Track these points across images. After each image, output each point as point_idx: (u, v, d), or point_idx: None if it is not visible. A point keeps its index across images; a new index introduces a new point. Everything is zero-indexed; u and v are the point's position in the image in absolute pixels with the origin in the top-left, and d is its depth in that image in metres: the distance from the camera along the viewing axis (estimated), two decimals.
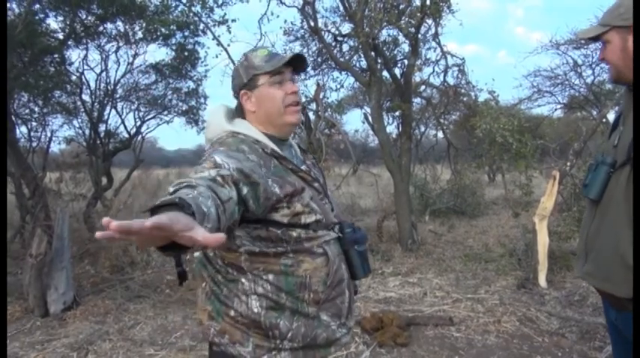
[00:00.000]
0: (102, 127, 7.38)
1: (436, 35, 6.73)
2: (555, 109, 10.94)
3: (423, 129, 11.92)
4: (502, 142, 5.15)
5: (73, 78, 6.76)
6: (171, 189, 0.99)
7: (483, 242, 6.92)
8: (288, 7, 6.87)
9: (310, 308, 1.28)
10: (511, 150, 5.24)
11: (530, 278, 4.84)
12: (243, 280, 1.29)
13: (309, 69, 8.22)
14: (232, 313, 1.28)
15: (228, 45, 6.87)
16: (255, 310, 1.27)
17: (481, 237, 7.38)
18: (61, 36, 6.10)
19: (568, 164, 4.62)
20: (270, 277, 1.26)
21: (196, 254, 1.37)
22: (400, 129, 6.85)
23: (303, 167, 1.40)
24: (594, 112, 9.73)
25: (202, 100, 7.93)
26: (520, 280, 4.91)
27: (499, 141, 5.10)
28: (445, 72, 6.87)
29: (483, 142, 5.89)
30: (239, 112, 1.42)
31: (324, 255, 1.30)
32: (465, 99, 6.68)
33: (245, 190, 1.15)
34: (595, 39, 1.54)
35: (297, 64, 1.39)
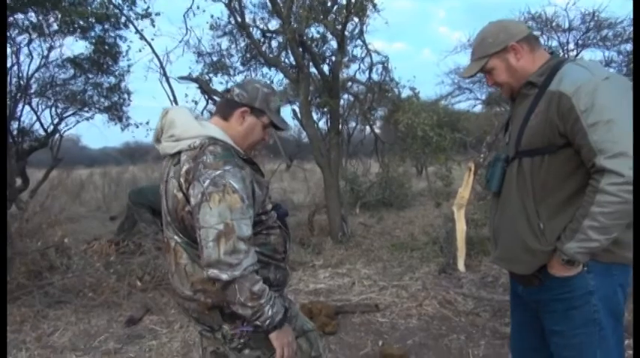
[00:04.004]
0: (15, 125, 6.90)
1: (361, 33, 6.93)
2: (475, 105, 11.60)
3: (353, 124, 12.23)
4: (423, 136, 5.42)
5: None
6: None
7: (410, 232, 7.24)
8: (215, 1, 6.78)
9: (282, 263, 1.71)
10: (431, 144, 5.52)
11: (451, 264, 5.14)
12: None
13: (237, 64, 8.18)
14: None
15: (152, 39, 6.65)
16: None
17: (408, 227, 7.70)
18: None
19: (482, 156, 4.95)
20: (257, 248, 1.58)
21: (180, 240, 1.62)
22: (329, 124, 6.98)
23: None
24: (508, 108, 10.41)
25: (126, 96, 7.64)
26: (441, 266, 5.21)
27: (420, 134, 5.37)
28: (370, 69, 7.09)
29: (407, 136, 6.16)
30: (224, 110, 1.67)
31: (279, 227, 1.71)
32: (389, 95, 6.94)
33: (251, 212, 1.53)
34: (480, 71, 1.74)
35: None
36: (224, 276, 1.44)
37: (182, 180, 1.53)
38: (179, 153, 1.58)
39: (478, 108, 11.97)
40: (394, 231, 7.51)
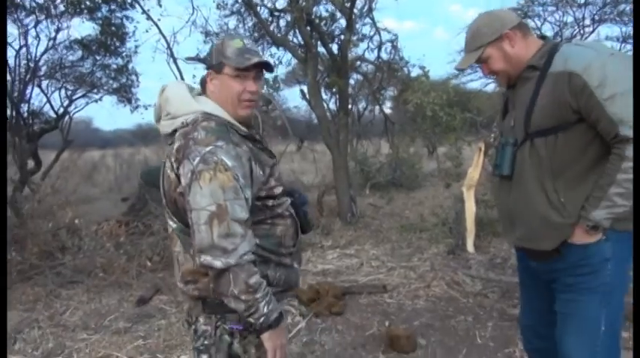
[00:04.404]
0: (25, 107, 6.93)
1: (370, 11, 6.79)
2: (487, 84, 11.38)
3: (365, 104, 12.09)
4: (432, 116, 5.34)
5: None
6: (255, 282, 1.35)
7: (419, 212, 7.19)
8: None
9: (286, 260, 1.54)
10: (441, 124, 5.44)
11: (460, 245, 5.12)
12: None
13: None
14: None
15: (159, 19, 6.60)
16: None
17: (417, 208, 7.67)
18: None
19: (492, 136, 4.87)
20: (257, 241, 1.43)
21: (174, 225, 1.50)
22: (337, 105, 6.91)
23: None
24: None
25: (134, 78, 7.62)
26: (450, 247, 5.18)
27: (429, 114, 5.29)
28: (379, 48, 6.97)
29: (417, 116, 6.07)
30: (202, 86, 1.54)
31: (290, 217, 1.54)
32: (398, 74, 6.84)
33: (248, 193, 1.38)
34: (476, 62, 1.77)
35: (265, 66, 1.52)
36: (217, 263, 1.30)
37: (173, 159, 1.41)
38: (174, 132, 1.47)
39: (490, 87, 11.76)
40: (404, 212, 7.49)
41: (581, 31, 8.02)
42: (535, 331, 1.97)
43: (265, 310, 1.37)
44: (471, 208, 5.05)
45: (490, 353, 2.98)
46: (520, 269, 2.01)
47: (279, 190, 1.51)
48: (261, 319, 1.37)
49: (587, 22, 7.87)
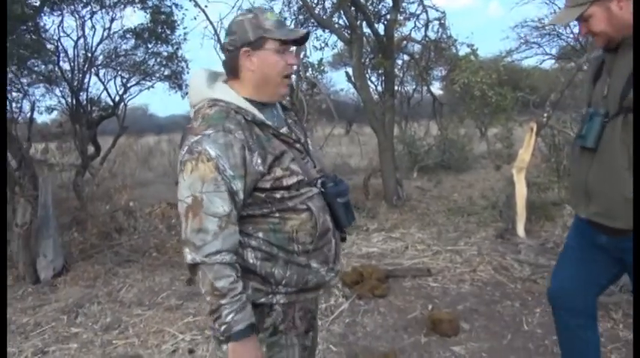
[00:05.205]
0: (84, 95, 7.31)
1: None
2: (543, 60, 10.85)
3: (414, 85, 11.83)
4: (481, 96, 5.15)
5: (50, 47, 6.64)
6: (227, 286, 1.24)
7: (468, 196, 7.03)
8: None
9: (300, 258, 1.37)
10: (491, 104, 5.25)
11: (510, 229, 4.96)
12: None
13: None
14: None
15: (206, 6, 6.71)
16: (251, 261, 1.36)
17: (466, 191, 7.49)
18: (35, 3, 5.95)
19: (545, 115, 4.65)
20: (261, 234, 1.35)
21: None
22: (383, 86, 6.80)
23: (284, 129, 1.42)
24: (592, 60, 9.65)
25: (184, 64, 7.83)
26: (500, 231, 5.04)
27: (477, 94, 5.10)
28: (426, 26, 6.78)
29: (465, 97, 5.89)
30: (229, 68, 1.41)
31: (307, 211, 1.36)
32: (446, 53, 6.63)
33: (239, 185, 1.27)
34: (576, 19, 1.65)
35: (301, 39, 1.44)
36: (188, 258, 1.25)
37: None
38: None
39: (548, 63, 11.20)
40: (452, 195, 7.33)
41: None
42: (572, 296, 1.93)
43: (228, 319, 1.24)
44: (521, 191, 4.87)
45: (537, 340, 2.90)
46: (575, 241, 1.95)
47: (291, 181, 1.34)
48: (222, 328, 1.25)
49: None
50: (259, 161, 1.30)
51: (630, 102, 1.54)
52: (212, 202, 1.24)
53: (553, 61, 11.36)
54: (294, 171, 1.35)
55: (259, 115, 1.34)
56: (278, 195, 1.34)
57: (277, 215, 1.35)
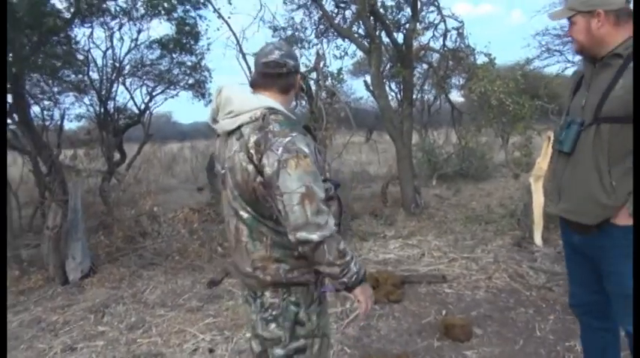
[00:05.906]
0: (111, 104, 7.58)
1: None
2: (565, 68, 10.75)
3: (434, 94, 11.84)
4: (499, 104, 5.18)
5: (80, 57, 6.92)
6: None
7: (486, 204, 7.03)
8: None
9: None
10: (509, 113, 5.27)
11: (527, 237, 4.97)
12: None
13: (312, 37, 8.23)
14: (295, 254, 1.61)
15: (229, 17, 6.90)
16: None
17: (485, 200, 7.48)
18: (66, 15, 6.23)
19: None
20: None
21: (245, 215, 1.64)
22: (401, 95, 6.88)
23: None
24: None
25: (207, 74, 8.05)
26: (517, 239, 5.04)
27: (495, 103, 5.13)
28: (444, 36, 6.84)
29: (483, 105, 5.92)
30: (282, 84, 1.68)
31: (337, 198, 1.70)
32: (464, 62, 6.67)
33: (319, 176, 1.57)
34: (567, 19, 1.86)
35: None
36: (314, 237, 1.47)
37: (252, 151, 1.53)
38: (239, 127, 1.59)
39: (570, 71, 11.08)
40: (470, 204, 7.33)
41: None
42: (589, 308, 2.08)
43: (355, 268, 1.57)
44: (538, 200, 4.88)
45: (549, 346, 2.93)
46: (566, 247, 2.14)
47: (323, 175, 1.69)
48: (354, 277, 1.57)
49: None
50: (320, 158, 1.64)
51: (605, 114, 1.74)
52: (319, 189, 1.52)
53: (574, 69, 11.25)
54: (321, 167, 1.69)
55: (306, 123, 1.73)
56: (325, 186, 1.62)
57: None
